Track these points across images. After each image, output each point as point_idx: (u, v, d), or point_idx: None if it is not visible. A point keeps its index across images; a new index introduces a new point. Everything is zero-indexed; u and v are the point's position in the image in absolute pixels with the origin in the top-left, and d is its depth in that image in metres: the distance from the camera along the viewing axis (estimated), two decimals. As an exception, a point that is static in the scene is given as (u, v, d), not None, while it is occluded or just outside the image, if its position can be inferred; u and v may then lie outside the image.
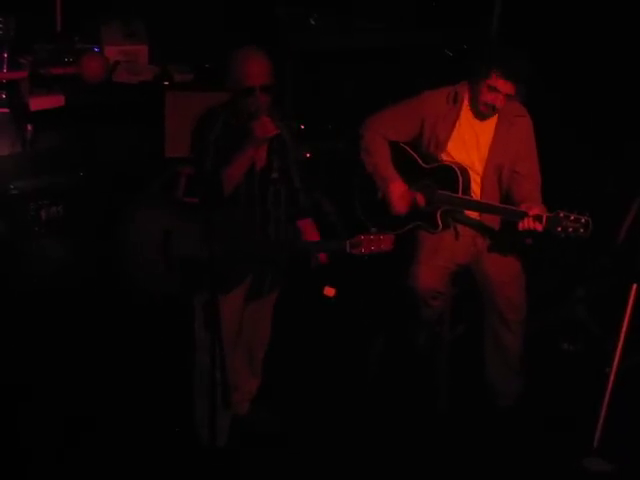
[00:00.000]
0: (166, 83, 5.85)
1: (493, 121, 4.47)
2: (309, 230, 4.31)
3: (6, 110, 5.61)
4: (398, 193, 4.51)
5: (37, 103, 5.61)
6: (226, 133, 4.05)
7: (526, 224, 4.17)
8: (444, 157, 4.50)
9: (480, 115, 4.45)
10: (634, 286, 4.36)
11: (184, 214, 4.05)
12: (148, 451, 4.33)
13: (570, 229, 4.10)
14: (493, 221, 4.51)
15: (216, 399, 3.74)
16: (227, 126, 4.05)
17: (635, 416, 4.64)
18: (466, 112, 4.47)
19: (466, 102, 4.47)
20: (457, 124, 4.47)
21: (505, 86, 4.29)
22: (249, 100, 3.99)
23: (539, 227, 4.15)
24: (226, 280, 4.01)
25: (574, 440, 4.51)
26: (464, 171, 4.45)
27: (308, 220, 4.33)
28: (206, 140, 4.04)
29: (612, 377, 4.40)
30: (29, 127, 5.60)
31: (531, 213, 4.17)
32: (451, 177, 4.44)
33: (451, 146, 4.48)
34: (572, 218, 4.10)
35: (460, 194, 4.43)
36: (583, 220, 4.08)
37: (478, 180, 4.51)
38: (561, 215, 4.12)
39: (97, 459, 4.27)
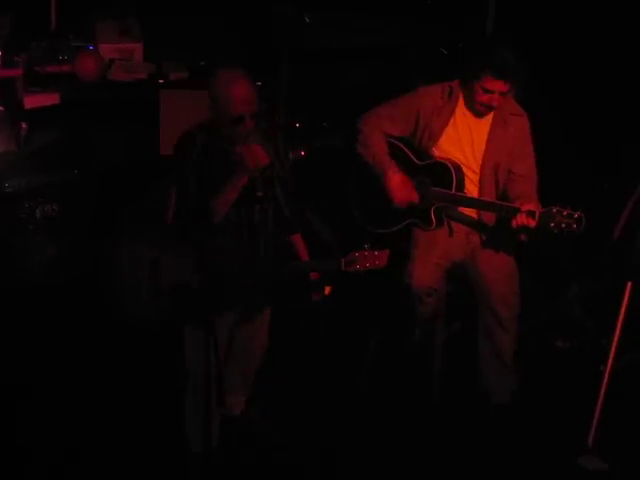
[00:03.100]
0: (161, 81, 5.83)
1: (488, 119, 4.48)
2: (299, 245, 4.25)
3: (1, 108, 5.59)
4: (398, 181, 4.50)
5: (32, 101, 5.60)
6: (206, 157, 3.97)
7: (519, 220, 4.18)
8: (436, 151, 4.51)
9: (477, 113, 4.45)
10: (629, 284, 4.36)
11: (172, 240, 4.00)
12: (139, 453, 4.32)
13: (563, 225, 4.10)
14: (487, 218, 4.52)
15: (210, 404, 3.74)
16: (206, 149, 3.97)
17: (630, 414, 4.64)
18: (461, 108, 4.49)
19: (461, 99, 4.48)
20: (452, 119, 4.48)
21: (498, 86, 4.30)
22: (237, 128, 3.91)
23: (532, 223, 4.16)
24: (218, 304, 3.96)
25: (568, 438, 4.51)
26: (457, 168, 4.46)
27: (298, 235, 4.27)
28: (186, 169, 3.95)
29: (607, 375, 4.39)
30: (24, 125, 5.58)
31: (524, 209, 4.18)
32: (445, 174, 4.44)
33: (444, 140, 4.49)
34: (565, 214, 4.10)
35: (454, 191, 4.44)
36: (576, 215, 4.08)
37: (475, 179, 4.51)
38: (554, 211, 4.12)
39: (87, 461, 4.27)
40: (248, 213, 4.05)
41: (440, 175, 4.45)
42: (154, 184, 5.35)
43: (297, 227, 4.26)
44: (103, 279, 4.11)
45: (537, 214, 4.15)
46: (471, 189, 4.51)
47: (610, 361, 4.38)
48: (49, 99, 5.65)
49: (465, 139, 4.49)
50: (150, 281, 3.94)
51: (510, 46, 4.32)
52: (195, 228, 3.87)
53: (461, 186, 4.46)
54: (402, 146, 4.58)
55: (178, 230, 4.01)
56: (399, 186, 4.49)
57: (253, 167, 3.90)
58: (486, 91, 4.32)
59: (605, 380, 4.39)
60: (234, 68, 3.99)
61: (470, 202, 4.49)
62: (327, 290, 4.62)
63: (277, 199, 4.14)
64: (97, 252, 4.42)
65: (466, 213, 4.55)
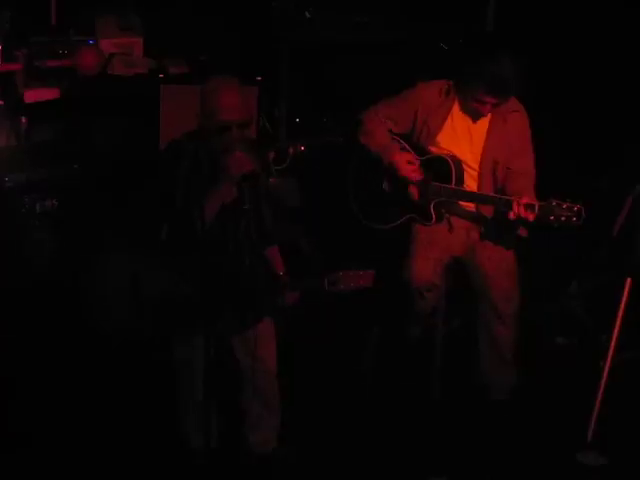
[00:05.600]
0: (161, 76, 5.83)
1: (487, 117, 4.47)
2: (276, 258, 4.15)
3: (0, 102, 5.60)
4: (405, 159, 4.49)
5: (32, 95, 5.60)
6: (196, 167, 3.86)
7: (516, 211, 4.17)
8: (434, 148, 4.51)
9: (471, 115, 4.46)
10: (628, 280, 4.36)
11: (154, 253, 3.88)
12: (137, 455, 4.31)
13: (563, 218, 4.09)
14: (487, 213, 4.52)
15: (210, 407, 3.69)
16: (196, 160, 3.87)
17: (629, 410, 4.65)
18: (459, 105, 4.48)
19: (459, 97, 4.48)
20: (449, 116, 4.48)
21: (489, 99, 4.31)
22: (223, 137, 3.80)
23: (531, 216, 4.15)
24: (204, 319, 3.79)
25: (568, 433, 4.52)
26: (457, 162, 4.46)
27: (275, 248, 4.18)
28: (174, 176, 3.83)
29: (606, 371, 4.40)
30: (24, 120, 5.59)
31: (522, 202, 4.17)
32: (444, 168, 4.44)
33: (442, 137, 4.49)
34: (564, 207, 4.08)
35: (453, 185, 4.44)
36: (575, 208, 4.07)
37: (474, 175, 4.51)
38: (554, 204, 4.10)
39: (82, 463, 4.26)
40: (234, 227, 3.96)
41: (440, 170, 4.45)
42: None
43: (275, 240, 4.17)
44: (84, 293, 4.08)
45: (537, 207, 4.15)
46: (470, 184, 4.51)
47: (609, 357, 4.39)
48: (49, 93, 5.65)
49: (463, 136, 4.49)
50: (131, 295, 3.86)
51: (505, 56, 4.26)
52: (180, 240, 3.76)
53: (460, 180, 4.47)
54: (402, 141, 4.57)
55: (161, 242, 3.88)
56: (406, 164, 4.47)
57: (236, 174, 3.77)
58: (479, 102, 4.33)
59: (604, 376, 4.40)
60: (226, 75, 3.91)
61: (470, 196, 4.49)
62: None
63: (261, 211, 4.05)
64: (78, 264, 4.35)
65: (466, 208, 4.55)
